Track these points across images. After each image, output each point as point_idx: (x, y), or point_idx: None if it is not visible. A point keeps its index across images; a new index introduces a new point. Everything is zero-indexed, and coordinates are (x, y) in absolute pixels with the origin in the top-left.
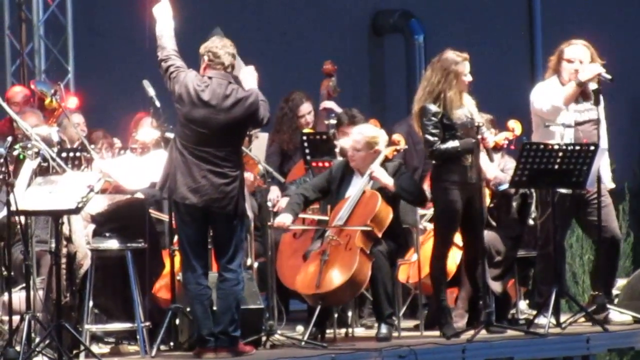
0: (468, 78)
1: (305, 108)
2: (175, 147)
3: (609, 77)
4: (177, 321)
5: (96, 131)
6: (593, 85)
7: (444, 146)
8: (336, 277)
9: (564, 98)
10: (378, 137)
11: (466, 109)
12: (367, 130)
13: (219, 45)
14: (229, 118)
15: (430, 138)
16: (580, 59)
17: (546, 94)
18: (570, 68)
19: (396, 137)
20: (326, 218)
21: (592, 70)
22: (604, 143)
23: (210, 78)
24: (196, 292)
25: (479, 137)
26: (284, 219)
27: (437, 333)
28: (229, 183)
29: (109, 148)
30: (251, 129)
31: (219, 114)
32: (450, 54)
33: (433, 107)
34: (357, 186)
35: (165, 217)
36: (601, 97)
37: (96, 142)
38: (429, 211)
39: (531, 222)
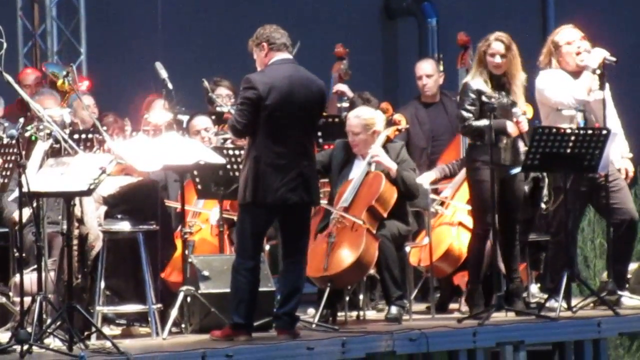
0: (495, 60)
1: None
2: (262, 150)
3: (613, 59)
4: (189, 303)
5: (107, 116)
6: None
7: (475, 123)
8: (344, 259)
9: (586, 89)
10: (375, 118)
11: (512, 95)
12: (363, 113)
13: (271, 30)
14: (309, 94)
15: (464, 114)
16: (577, 39)
17: (564, 88)
18: (572, 50)
19: (397, 116)
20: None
21: (598, 54)
22: (612, 126)
23: (278, 65)
24: (250, 279)
25: (514, 120)
26: None
27: (448, 316)
28: (315, 173)
29: (120, 132)
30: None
31: (302, 86)
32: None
33: (474, 84)
34: (360, 167)
35: (177, 204)
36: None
37: (108, 127)
38: (441, 195)
39: (543, 206)
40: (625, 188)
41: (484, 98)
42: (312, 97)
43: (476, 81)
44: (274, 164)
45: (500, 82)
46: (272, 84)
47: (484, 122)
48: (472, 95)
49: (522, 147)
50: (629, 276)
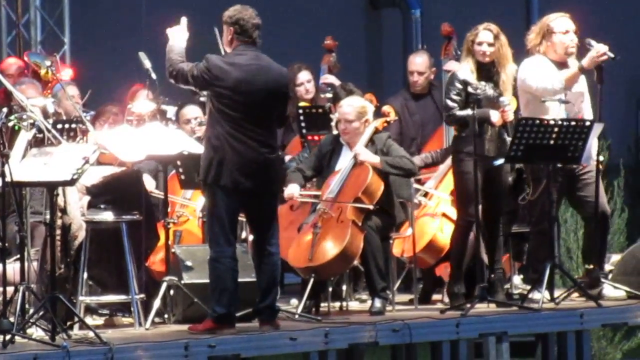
0: (483, 48)
1: (303, 76)
2: (220, 132)
3: (612, 55)
4: (172, 293)
5: (109, 105)
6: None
7: (459, 113)
8: (329, 250)
9: (566, 81)
10: (366, 107)
11: (500, 83)
12: (355, 101)
13: (246, 16)
14: (268, 82)
15: (449, 103)
16: (569, 29)
17: (545, 76)
18: (566, 39)
19: (386, 108)
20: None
21: (598, 51)
22: (588, 116)
23: (239, 52)
24: (231, 266)
25: (500, 109)
26: (293, 190)
27: (431, 307)
28: (275, 159)
29: (114, 124)
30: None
31: (260, 74)
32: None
33: (461, 74)
34: (347, 158)
35: (161, 194)
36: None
37: (107, 115)
38: (424, 186)
39: (523, 196)
40: (598, 181)
41: (469, 89)
42: (270, 85)
43: (463, 71)
44: (232, 147)
45: (490, 73)
46: (229, 71)
47: (467, 112)
48: (459, 85)
49: (508, 138)
50: (611, 267)
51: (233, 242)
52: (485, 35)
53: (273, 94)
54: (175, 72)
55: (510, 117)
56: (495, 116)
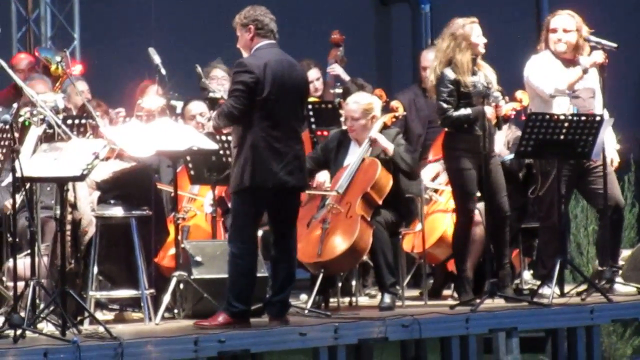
0: (480, 40)
1: (313, 74)
2: (259, 134)
3: (614, 45)
4: (181, 288)
5: (89, 101)
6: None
7: (455, 114)
8: (338, 245)
9: (569, 84)
10: (373, 104)
11: (482, 76)
12: (362, 98)
13: (261, 12)
14: (297, 78)
15: (444, 105)
16: (564, 28)
17: (547, 76)
18: (554, 38)
19: (394, 103)
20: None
21: (594, 58)
22: (599, 112)
23: (265, 49)
24: (253, 264)
25: (493, 105)
26: (324, 177)
27: (441, 302)
28: (305, 157)
29: (104, 115)
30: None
31: (289, 70)
32: (458, 19)
33: (450, 74)
34: (356, 154)
35: (170, 188)
36: (595, 68)
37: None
38: (435, 182)
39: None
40: (611, 174)
41: (461, 88)
42: (299, 81)
43: (451, 70)
44: (272, 148)
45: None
46: (265, 67)
47: (463, 112)
48: (450, 86)
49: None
50: (622, 263)
51: (255, 240)
52: (477, 28)
53: (301, 89)
54: (228, 118)
55: (503, 112)
56: (489, 112)
